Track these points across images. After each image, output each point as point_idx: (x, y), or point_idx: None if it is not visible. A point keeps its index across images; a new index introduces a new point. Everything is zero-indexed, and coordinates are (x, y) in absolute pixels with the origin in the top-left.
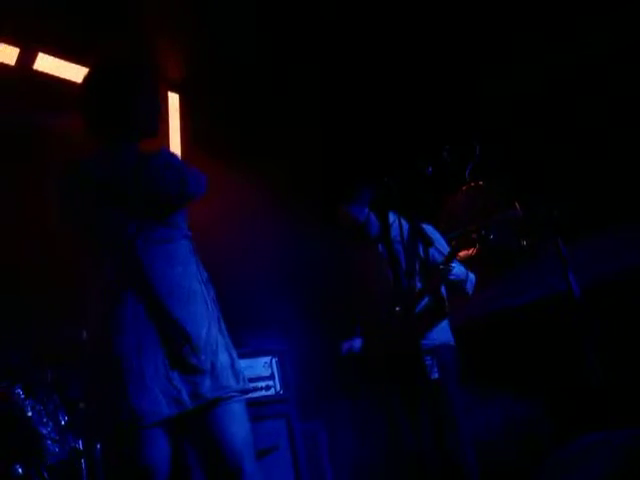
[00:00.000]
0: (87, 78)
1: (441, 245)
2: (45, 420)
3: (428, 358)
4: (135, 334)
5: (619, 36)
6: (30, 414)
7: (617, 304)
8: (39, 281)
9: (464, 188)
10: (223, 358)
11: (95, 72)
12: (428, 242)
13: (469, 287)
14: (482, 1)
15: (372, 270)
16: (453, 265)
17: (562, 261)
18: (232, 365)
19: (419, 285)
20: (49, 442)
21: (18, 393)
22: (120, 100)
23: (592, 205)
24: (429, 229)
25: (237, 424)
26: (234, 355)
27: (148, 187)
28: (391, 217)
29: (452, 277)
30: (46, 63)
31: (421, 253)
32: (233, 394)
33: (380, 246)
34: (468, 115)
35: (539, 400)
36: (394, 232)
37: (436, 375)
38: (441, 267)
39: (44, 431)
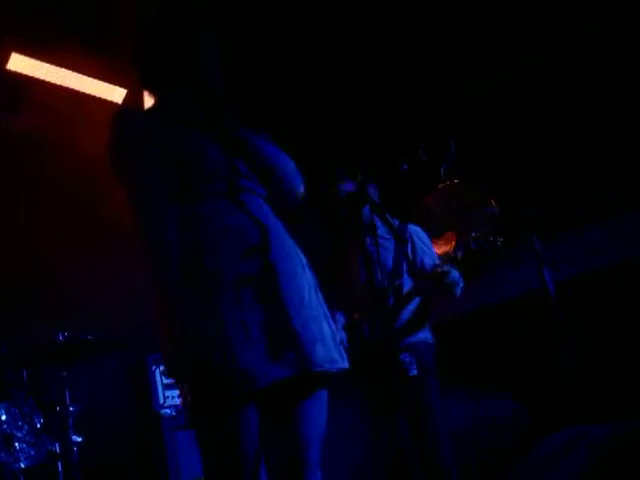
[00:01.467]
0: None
1: (428, 247)
2: (20, 423)
3: (406, 355)
4: (233, 289)
5: (587, 36)
6: (4, 417)
7: (591, 301)
8: (14, 281)
9: (441, 186)
10: (326, 328)
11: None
12: (402, 241)
13: (458, 291)
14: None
15: (355, 267)
16: (450, 269)
17: (537, 258)
18: (334, 337)
19: (407, 285)
20: (24, 445)
21: None
22: (182, 38)
23: (568, 203)
24: (417, 230)
25: (321, 415)
26: (334, 327)
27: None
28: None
29: (449, 280)
30: (20, 63)
31: (409, 252)
32: (337, 370)
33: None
34: (443, 113)
35: (516, 396)
36: (381, 229)
37: (414, 372)
38: (439, 270)
39: (19, 434)
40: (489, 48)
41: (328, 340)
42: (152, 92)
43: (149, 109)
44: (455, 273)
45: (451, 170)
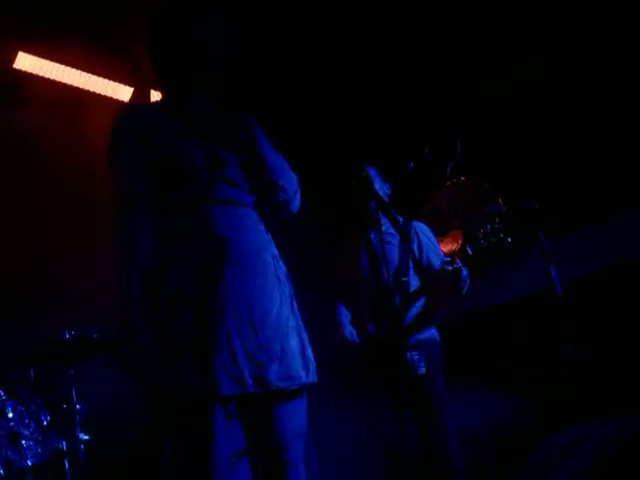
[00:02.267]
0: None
1: (434, 244)
2: (27, 421)
3: (415, 353)
4: (197, 304)
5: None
6: (11, 415)
7: (598, 300)
8: (20, 280)
9: (447, 184)
10: (294, 343)
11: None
12: (407, 237)
13: (465, 288)
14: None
15: (359, 261)
16: (460, 266)
17: (544, 257)
18: (303, 352)
19: (413, 282)
20: (31, 443)
21: None
22: (186, 28)
23: (575, 201)
24: (422, 227)
25: (296, 419)
26: (305, 340)
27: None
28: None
29: (459, 278)
30: (27, 62)
31: (414, 249)
32: (300, 387)
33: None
34: (448, 111)
35: (522, 395)
36: (386, 226)
37: (423, 370)
38: (449, 269)
39: (26, 432)
40: (493, 46)
41: (290, 358)
42: (161, 86)
43: (153, 104)
44: (464, 271)
45: (457, 168)
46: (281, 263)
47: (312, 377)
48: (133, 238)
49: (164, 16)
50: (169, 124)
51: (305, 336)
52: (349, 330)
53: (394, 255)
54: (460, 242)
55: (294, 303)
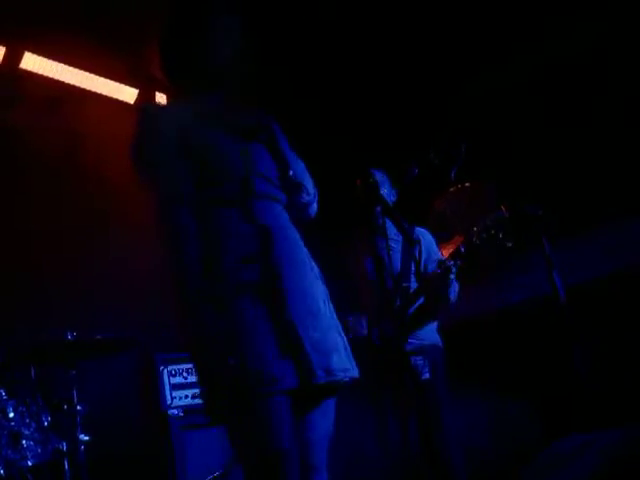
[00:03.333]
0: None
1: (435, 252)
2: (28, 421)
3: (419, 358)
4: (253, 300)
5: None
6: (12, 415)
7: (603, 305)
8: (22, 280)
9: (451, 189)
10: (339, 339)
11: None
12: (411, 242)
13: (452, 294)
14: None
15: (363, 264)
16: (451, 264)
17: (548, 262)
18: (346, 348)
19: (414, 285)
20: (32, 443)
21: (0, 393)
22: (193, 28)
23: (579, 205)
24: (424, 233)
25: (327, 419)
26: (345, 338)
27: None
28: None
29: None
30: (33, 62)
31: (416, 254)
32: (349, 379)
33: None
34: (452, 116)
35: (526, 400)
36: (390, 230)
37: (427, 375)
38: (439, 271)
39: (26, 432)
40: (496, 47)
41: (341, 349)
42: (176, 86)
43: (171, 104)
44: (452, 274)
45: (461, 173)
46: (314, 262)
47: (356, 371)
48: (186, 236)
49: (177, 19)
50: (198, 123)
51: (344, 335)
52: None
53: (397, 260)
54: (462, 248)
55: (330, 304)
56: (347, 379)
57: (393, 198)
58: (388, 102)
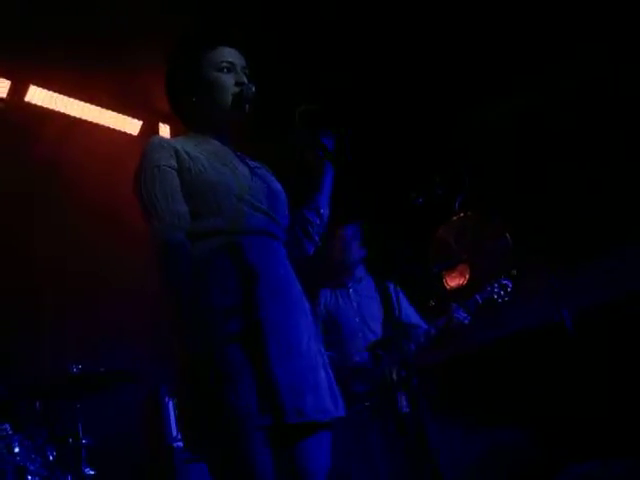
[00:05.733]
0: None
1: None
2: (33, 456)
3: (399, 393)
4: (237, 345)
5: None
6: (17, 449)
7: (607, 332)
8: (27, 313)
9: (454, 218)
10: (323, 376)
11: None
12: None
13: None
14: (470, 34)
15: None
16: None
17: (552, 290)
18: (331, 387)
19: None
20: (38, 478)
21: (5, 428)
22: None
23: (582, 233)
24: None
25: (321, 453)
26: (331, 376)
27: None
28: (361, 270)
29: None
30: (38, 95)
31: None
32: (328, 420)
33: (351, 287)
34: (456, 145)
35: (530, 429)
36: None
37: (406, 410)
38: (434, 332)
39: (32, 467)
40: (500, 77)
41: (323, 390)
42: (184, 120)
43: (177, 138)
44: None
45: (465, 202)
46: (304, 298)
47: (341, 411)
48: (185, 256)
49: (182, 51)
50: (202, 154)
51: (331, 373)
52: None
53: (372, 306)
54: (467, 276)
55: (318, 340)
56: (326, 419)
57: (362, 253)
58: (390, 131)
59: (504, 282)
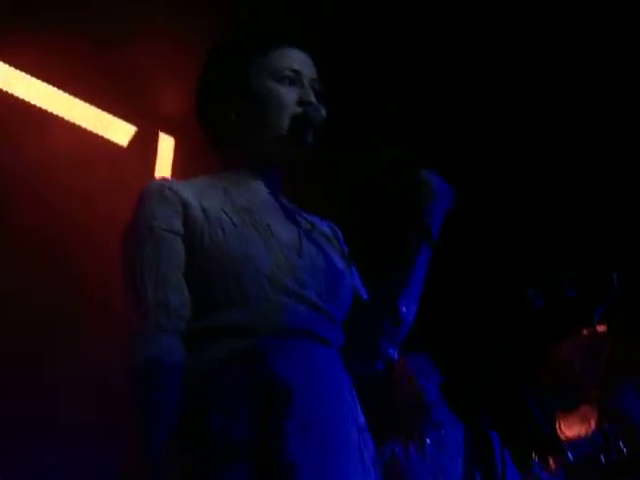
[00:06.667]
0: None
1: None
2: None
3: None
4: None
5: None
6: None
7: None
8: None
9: (585, 333)
10: None
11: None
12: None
13: None
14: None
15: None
16: None
17: None
18: None
19: None
20: None
21: None
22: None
23: None
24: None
25: None
26: None
27: None
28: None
29: None
30: None
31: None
32: None
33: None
34: (606, 233)
35: None
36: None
37: None
38: None
39: None
40: None
41: None
42: (215, 146)
43: (200, 179)
44: None
45: (609, 314)
46: (368, 436)
47: None
48: (164, 377)
49: (226, 49)
50: (227, 211)
51: None
52: None
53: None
54: (592, 423)
55: (376, 464)
56: None
57: (435, 394)
58: (511, 201)
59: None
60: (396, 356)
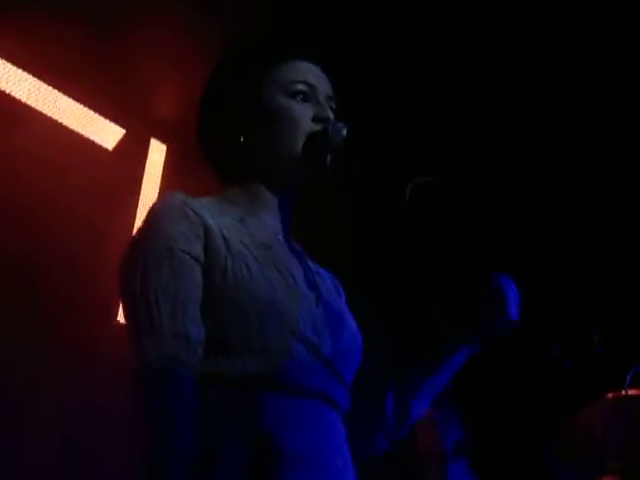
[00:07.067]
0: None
1: None
2: None
3: None
4: None
5: None
6: None
7: None
8: None
9: (610, 396)
10: None
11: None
12: None
13: None
14: None
15: None
16: None
17: None
18: None
19: None
20: None
21: None
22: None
23: None
24: None
25: None
26: None
27: None
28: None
29: None
30: None
31: None
32: None
33: None
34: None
35: None
36: None
37: None
38: None
39: None
40: None
41: None
42: (219, 170)
43: (214, 198)
44: None
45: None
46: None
47: None
48: (180, 419)
49: (233, 61)
50: (247, 244)
51: None
52: None
53: None
54: None
55: None
56: None
57: (456, 439)
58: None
59: None
60: (390, 449)
